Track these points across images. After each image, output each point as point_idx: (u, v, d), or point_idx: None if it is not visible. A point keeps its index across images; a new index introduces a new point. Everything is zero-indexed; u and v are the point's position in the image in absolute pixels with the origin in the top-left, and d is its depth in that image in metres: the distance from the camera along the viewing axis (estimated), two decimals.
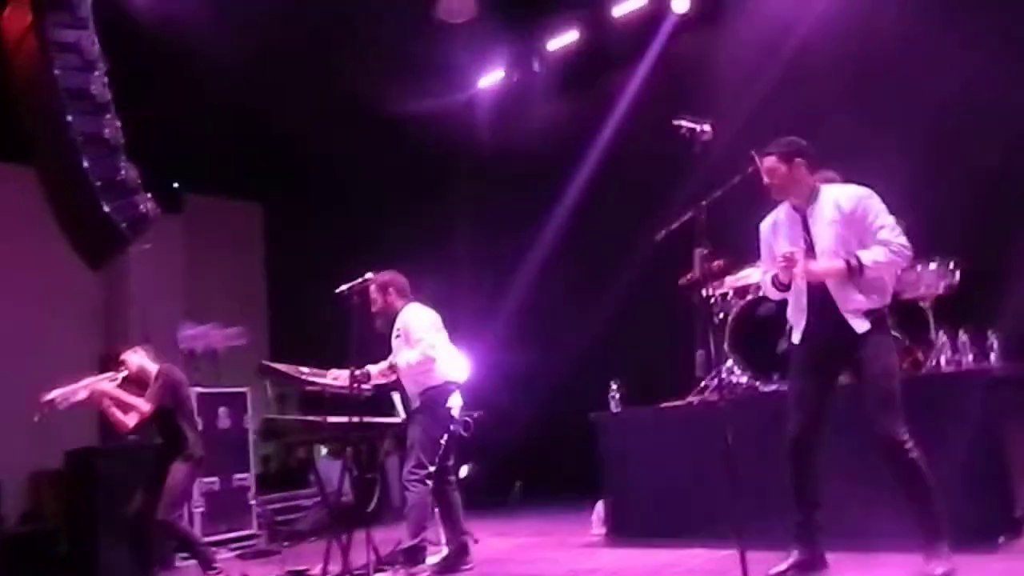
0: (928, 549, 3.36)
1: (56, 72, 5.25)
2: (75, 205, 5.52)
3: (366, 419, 4.52)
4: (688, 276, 5.27)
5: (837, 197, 3.62)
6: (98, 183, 5.32)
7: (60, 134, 5.33)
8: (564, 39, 8.04)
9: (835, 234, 3.54)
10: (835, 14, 6.27)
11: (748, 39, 6.72)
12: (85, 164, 5.27)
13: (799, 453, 3.56)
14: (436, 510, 4.64)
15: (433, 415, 4.48)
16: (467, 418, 4.72)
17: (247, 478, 6.88)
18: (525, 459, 7.93)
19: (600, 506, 5.42)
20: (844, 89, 6.15)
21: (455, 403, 4.61)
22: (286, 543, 6.30)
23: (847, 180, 3.98)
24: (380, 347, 4.75)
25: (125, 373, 4.95)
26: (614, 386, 5.61)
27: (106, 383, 4.88)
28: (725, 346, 5.08)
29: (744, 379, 5.01)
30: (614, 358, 6.55)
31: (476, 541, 4.98)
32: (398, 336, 4.63)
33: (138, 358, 5.01)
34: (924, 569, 3.33)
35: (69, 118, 5.25)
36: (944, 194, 5.27)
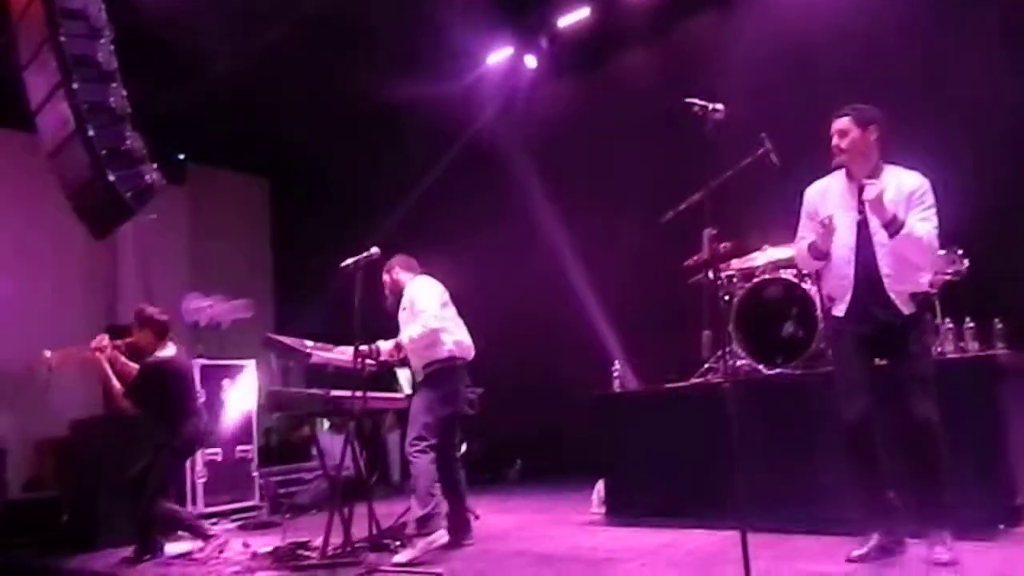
0: (933, 536, 3.36)
1: (62, 39, 5.21)
2: (80, 174, 5.50)
3: (369, 394, 4.52)
4: (695, 258, 5.26)
5: (900, 177, 3.53)
6: (103, 152, 5.29)
7: (65, 102, 5.29)
8: (574, 16, 7.94)
9: (876, 205, 3.43)
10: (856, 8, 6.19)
11: (760, 21, 6.66)
12: (90, 132, 5.24)
13: (860, 438, 3.47)
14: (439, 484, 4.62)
15: (438, 390, 4.45)
16: (471, 395, 4.73)
17: (250, 450, 6.91)
18: (526, 437, 7.97)
19: (600, 485, 5.44)
20: (855, 73, 6.08)
21: (461, 380, 4.59)
22: (287, 515, 6.33)
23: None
24: (384, 320, 4.73)
25: (123, 343, 5.01)
26: (617, 365, 5.62)
27: (102, 356, 4.90)
28: (730, 328, 5.07)
29: (748, 362, 5.00)
30: (618, 337, 6.57)
31: (477, 517, 5.01)
32: (404, 310, 4.62)
33: (142, 334, 5.03)
34: (929, 555, 3.34)
35: (75, 85, 5.22)
36: (953, 181, 5.23)
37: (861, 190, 3.51)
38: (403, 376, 5.02)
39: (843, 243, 3.53)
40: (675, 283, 5.53)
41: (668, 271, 5.63)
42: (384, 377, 4.83)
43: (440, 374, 4.48)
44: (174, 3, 6.50)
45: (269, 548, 4.72)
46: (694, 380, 5.21)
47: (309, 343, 4.71)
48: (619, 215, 7.27)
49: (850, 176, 3.60)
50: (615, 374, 5.55)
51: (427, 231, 7.81)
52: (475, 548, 4.57)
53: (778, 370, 4.78)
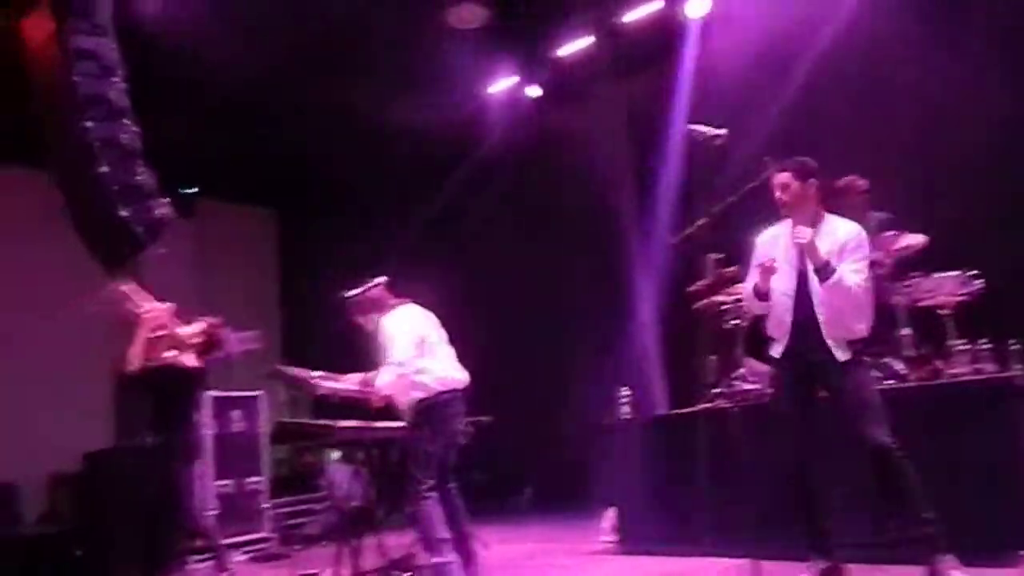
0: (930, 562, 3.33)
1: (75, 78, 5.31)
2: (92, 209, 5.57)
3: (377, 424, 4.51)
4: (700, 282, 5.25)
5: (837, 226, 3.70)
6: (115, 188, 5.36)
7: (78, 139, 5.38)
8: (574, 45, 8.00)
9: (814, 254, 3.59)
10: (850, 24, 6.22)
11: (761, 46, 6.69)
12: (102, 169, 5.31)
13: (802, 473, 3.61)
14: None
15: (425, 428, 4.31)
16: (468, 426, 4.62)
17: (260, 481, 6.90)
18: (535, 464, 7.92)
19: (610, 513, 5.38)
20: (859, 98, 6.11)
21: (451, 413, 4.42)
22: (297, 547, 6.31)
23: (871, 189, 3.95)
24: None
25: (182, 331, 4.97)
26: (624, 391, 5.58)
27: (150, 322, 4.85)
28: (739, 352, 5.03)
29: (756, 386, 4.96)
30: (624, 364, 6.54)
31: (486, 547, 4.97)
32: (381, 348, 4.45)
33: (194, 331, 5.06)
34: None
35: (87, 124, 5.30)
36: (966, 201, 5.23)
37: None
38: None
39: (783, 289, 3.69)
40: (681, 307, 5.51)
41: (675, 295, 5.62)
42: (392, 406, 4.81)
43: (426, 412, 4.32)
44: (184, 40, 6.63)
45: None
46: (701, 406, 5.16)
47: (316, 373, 4.70)
48: (624, 238, 7.26)
49: (793, 225, 3.74)
50: (621, 400, 5.52)
51: (435, 258, 7.84)
52: None
53: None
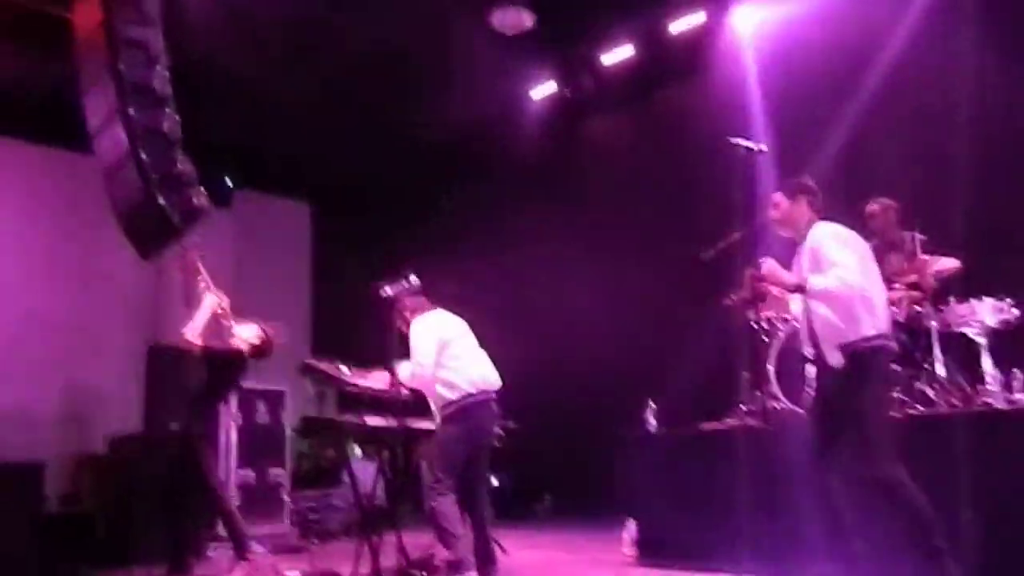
0: None
1: (121, 67, 5.39)
2: (131, 195, 5.64)
3: (402, 422, 4.52)
4: (736, 296, 5.21)
5: (814, 234, 3.73)
6: (155, 175, 5.43)
7: (122, 126, 5.46)
8: (619, 54, 8.00)
9: (802, 268, 3.68)
10: (895, 43, 6.14)
11: (809, 61, 6.64)
12: (143, 157, 5.39)
13: (825, 486, 3.58)
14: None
15: (453, 429, 4.32)
16: (499, 429, 4.64)
17: (282, 474, 6.95)
18: (557, 472, 7.89)
19: (631, 525, 5.35)
20: (900, 115, 6.03)
21: (483, 415, 4.45)
22: (316, 541, 6.33)
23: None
24: None
25: (238, 333, 5.14)
26: (651, 404, 5.55)
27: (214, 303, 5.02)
28: (770, 369, 4.99)
29: (788, 404, 4.91)
30: (654, 375, 6.49)
31: (505, 552, 4.95)
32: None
33: (250, 336, 5.22)
34: None
35: (131, 111, 5.38)
36: (1009, 227, 5.14)
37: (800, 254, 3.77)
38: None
39: (797, 307, 3.85)
40: (715, 320, 5.47)
41: (708, 308, 5.58)
42: (420, 404, 4.82)
43: (456, 414, 4.33)
44: (228, 35, 6.72)
45: (296, 573, 4.72)
46: (729, 421, 5.12)
47: (345, 369, 4.73)
48: (657, 251, 7.22)
49: (793, 241, 3.85)
50: (649, 413, 5.48)
51: (466, 262, 7.85)
52: None
53: None
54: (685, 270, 6.30)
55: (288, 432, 7.01)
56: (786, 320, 5.14)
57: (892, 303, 4.58)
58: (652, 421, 5.52)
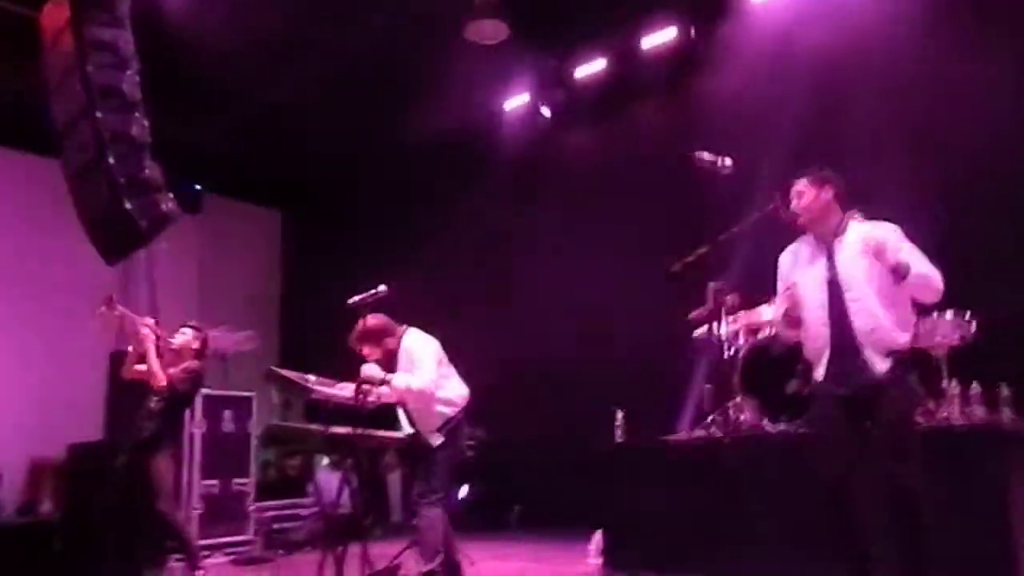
0: None
1: (89, 69, 5.32)
2: (97, 200, 5.57)
3: (369, 432, 4.49)
4: (700, 310, 5.26)
5: (865, 231, 3.46)
6: (122, 180, 5.36)
7: (89, 130, 5.39)
8: (591, 67, 8.07)
9: (865, 268, 3.38)
10: (866, 54, 6.24)
11: (775, 77, 6.75)
12: (111, 160, 5.32)
13: (836, 501, 3.36)
14: None
15: (453, 446, 4.41)
16: (472, 441, 4.69)
17: (247, 483, 6.86)
18: (527, 483, 7.88)
19: (598, 536, 5.36)
20: (870, 130, 6.11)
21: (465, 427, 4.53)
22: (281, 551, 6.25)
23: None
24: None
25: (175, 342, 5.12)
26: (619, 416, 5.58)
27: (152, 337, 5.00)
28: (735, 383, 5.04)
29: (751, 417, 4.96)
30: (623, 386, 6.52)
31: (472, 563, 4.94)
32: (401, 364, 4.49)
33: (186, 340, 5.19)
34: None
35: (99, 115, 5.31)
36: (965, 244, 5.24)
37: (831, 253, 3.49)
38: (401, 414, 4.96)
39: (815, 304, 3.47)
40: (680, 334, 5.52)
41: (674, 321, 5.62)
42: (386, 415, 4.79)
43: (453, 430, 4.42)
44: (199, 39, 6.67)
45: None
46: (695, 434, 5.17)
47: (312, 377, 4.70)
48: (626, 264, 7.27)
49: (815, 236, 3.58)
50: (617, 424, 5.51)
51: (436, 271, 7.85)
52: None
53: (782, 427, 4.74)
54: (654, 284, 6.37)
55: (254, 441, 6.93)
56: (755, 332, 5.20)
57: None
58: (621, 433, 5.55)
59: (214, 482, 6.59)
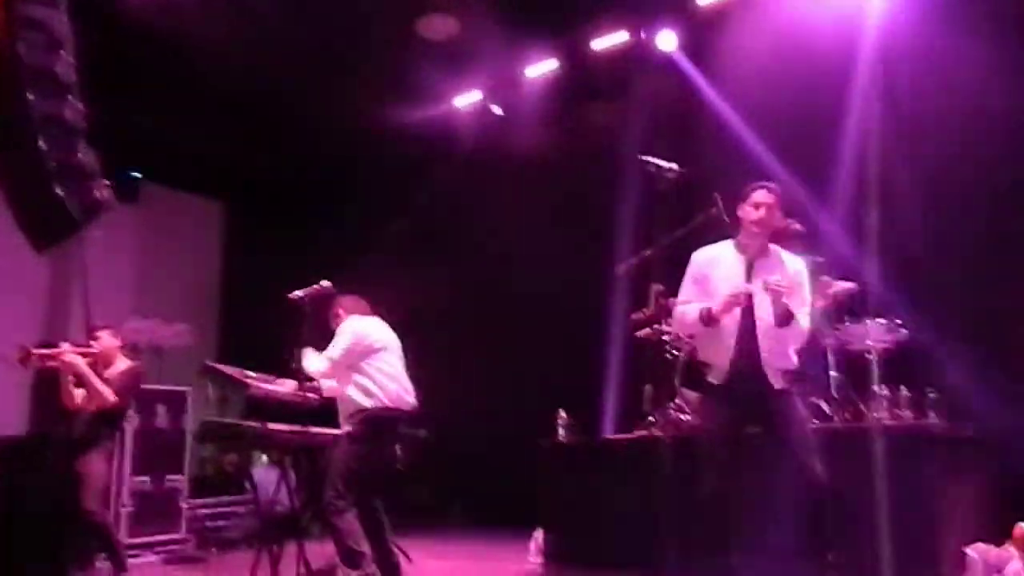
0: None
1: (19, 48, 5.11)
2: (27, 185, 5.35)
3: (307, 429, 4.42)
4: (642, 311, 5.33)
5: (787, 259, 3.71)
6: (53, 165, 5.17)
7: (17, 112, 5.18)
8: (543, 67, 8.08)
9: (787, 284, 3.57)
10: (815, 59, 6.34)
11: (729, 80, 6.84)
12: (41, 144, 5.12)
13: (715, 502, 3.55)
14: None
15: (358, 444, 4.21)
16: (399, 449, 4.57)
17: (180, 480, 6.69)
18: (469, 481, 7.87)
19: (538, 534, 5.38)
20: (816, 138, 6.21)
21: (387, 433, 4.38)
22: (215, 550, 6.12)
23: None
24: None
25: (96, 351, 4.93)
26: (562, 414, 5.61)
27: (81, 359, 4.82)
28: (676, 383, 5.12)
29: (691, 417, 5.05)
30: (567, 386, 6.56)
31: (410, 560, 4.91)
32: None
33: (111, 341, 5.03)
34: None
35: (29, 97, 5.10)
36: (895, 253, 5.40)
37: (751, 268, 3.64)
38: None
39: (729, 316, 3.60)
40: (623, 335, 5.58)
41: (617, 322, 5.68)
42: (326, 412, 4.72)
43: (362, 426, 4.23)
44: (141, 22, 6.48)
45: None
46: (636, 433, 5.23)
47: (251, 374, 4.61)
48: (572, 264, 7.31)
49: (741, 250, 3.70)
50: (559, 423, 5.55)
51: (380, 267, 7.76)
52: None
53: None
54: (600, 284, 6.43)
55: (188, 437, 6.75)
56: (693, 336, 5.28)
57: None
58: (562, 431, 5.58)
59: (146, 479, 6.41)
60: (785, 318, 3.51)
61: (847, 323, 4.97)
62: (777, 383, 3.59)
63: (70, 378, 4.81)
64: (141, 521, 6.31)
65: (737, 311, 3.58)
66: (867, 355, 4.77)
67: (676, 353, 5.20)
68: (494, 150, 8.31)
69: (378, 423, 4.27)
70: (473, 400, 7.69)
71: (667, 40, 7.35)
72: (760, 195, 3.65)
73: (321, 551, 4.75)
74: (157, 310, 7.48)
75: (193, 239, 9.99)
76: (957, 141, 5.48)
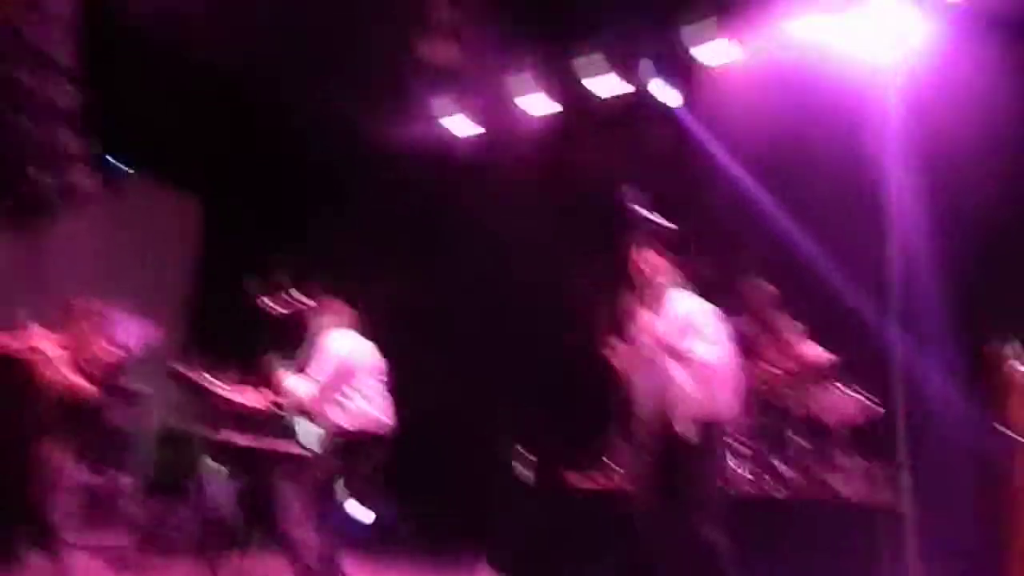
0: None
1: (15, 27, 5.08)
2: (3, 166, 5.29)
3: (262, 439, 4.36)
4: (613, 346, 5.29)
5: (681, 303, 3.71)
6: (34, 147, 5.12)
7: (3, 92, 5.13)
8: (537, 104, 8.09)
9: (665, 332, 3.64)
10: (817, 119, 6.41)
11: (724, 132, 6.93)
12: (24, 125, 5.07)
13: (643, 552, 3.55)
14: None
15: (341, 462, 4.26)
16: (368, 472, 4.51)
17: (128, 482, 6.52)
18: (421, 507, 7.75)
19: (482, 567, 5.31)
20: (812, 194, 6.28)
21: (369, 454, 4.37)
22: (156, 555, 5.95)
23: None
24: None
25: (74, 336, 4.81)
26: (520, 450, 5.56)
27: (53, 345, 4.67)
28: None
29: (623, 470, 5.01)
30: (529, 420, 6.51)
31: None
32: (310, 357, 4.43)
33: (90, 329, 5.00)
34: None
35: (18, 76, 5.07)
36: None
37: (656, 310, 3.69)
38: (302, 426, 4.80)
39: (642, 364, 3.69)
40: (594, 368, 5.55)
41: (588, 355, 5.65)
42: (284, 422, 4.65)
43: (347, 446, 4.27)
44: (146, 16, 6.46)
45: None
46: (593, 475, 5.20)
47: (212, 379, 4.54)
48: (542, 298, 7.28)
49: (644, 297, 3.79)
50: (517, 457, 5.50)
51: (353, 275, 7.67)
52: None
53: None
54: (570, 319, 6.40)
55: (141, 437, 6.60)
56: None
57: (764, 382, 4.80)
58: (521, 468, 5.53)
59: (94, 479, 6.23)
60: (670, 353, 3.54)
61: (816, 389, 4.98)
62: (691, 436, 3.50)
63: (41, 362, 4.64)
64: (85, 521, 6.12)
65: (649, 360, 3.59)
66: (826, 423, 4.80)
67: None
68: (482, 173, 8.31)
69: (358, 444, 4.29)
70: (432, 418, 7.58)
71: (671, 95, 7.38)
72: (641, 254, 3.80)
73: (264, 562, 4.65)
74: (124, 305, 7.33)
75: (169, 235, 9.83)
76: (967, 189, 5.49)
